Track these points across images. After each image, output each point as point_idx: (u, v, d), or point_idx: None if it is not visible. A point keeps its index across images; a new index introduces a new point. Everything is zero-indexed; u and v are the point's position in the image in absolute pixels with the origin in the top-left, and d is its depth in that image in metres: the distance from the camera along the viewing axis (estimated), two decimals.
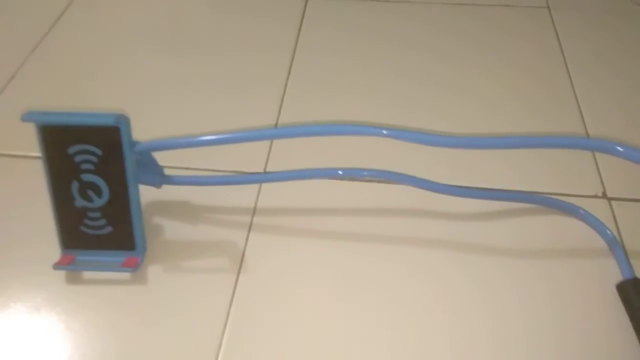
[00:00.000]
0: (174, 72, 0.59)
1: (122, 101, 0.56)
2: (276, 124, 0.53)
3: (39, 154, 0.39)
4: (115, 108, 0.55)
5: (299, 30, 0.64)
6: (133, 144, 0.39)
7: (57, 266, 0.41)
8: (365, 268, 0.42)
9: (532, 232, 0.44)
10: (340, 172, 0.47)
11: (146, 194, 0.44)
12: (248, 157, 0.50)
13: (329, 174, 0.47)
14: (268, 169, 0.49)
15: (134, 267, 0.41)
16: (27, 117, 0.37)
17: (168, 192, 0.46)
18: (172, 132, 0.51)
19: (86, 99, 0.57)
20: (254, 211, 0.46)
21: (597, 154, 0.49)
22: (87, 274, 0.42)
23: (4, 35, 0.65)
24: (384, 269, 0.42)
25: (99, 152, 0.38)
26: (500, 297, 0.40)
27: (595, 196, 0.47)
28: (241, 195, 0.47)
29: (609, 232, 0.43)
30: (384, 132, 0.38)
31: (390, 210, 0.46)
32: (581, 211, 0.44)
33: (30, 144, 0.39)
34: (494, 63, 0.59)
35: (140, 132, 0.41)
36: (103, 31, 0.65)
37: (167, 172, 0.45)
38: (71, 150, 0.38)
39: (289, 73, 0.58)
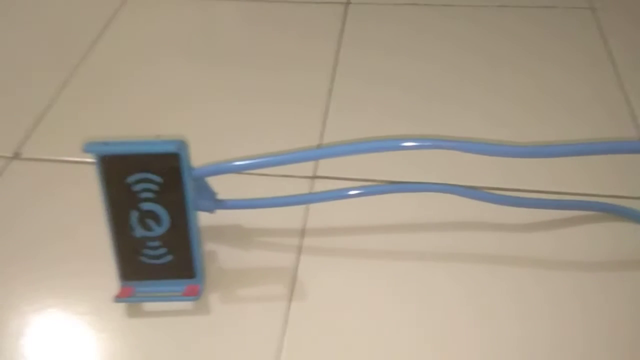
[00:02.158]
0: (210, 87, 0.59)
1: (162, 119, 0.56)
2: (320, 141, 0.52)
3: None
4: (156, 127, 0.55)
5: (339, 45, 0.63)
6: (191, 169, 0.38)
7: (118, 299, 0.40)
8: (420, 285, 0.41)
9: (595, 241, 0.43)
10: (386, 188, 0.46)
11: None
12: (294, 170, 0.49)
13: (376, 190, 0.47)
14: (315, 188, 0.49)
15: (196, 295, 0.40)
16: (88, 148, 0.36)
17: (219, 217, 0.45)
18: (214, 152, 0.51)
19: (125, 116, 0.56)
20: (304, 232, 0.45)
21: None
22: (148, 305, 0.41)
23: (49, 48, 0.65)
24: (440, 286, 0.41)
25: (159, 179, 0.37)
26: (564, 312, 0.40)
27: None
28: (291, 216, 0.46)
29: None
30: (446, 144, 0.38)
31: (440, 224, 0.46)
32: None
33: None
34: (539, 66, 0.59)
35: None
36: (140, 48, 0.65)
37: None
38: (130, 179, 0.37)
39: (330, 89, 0.58)
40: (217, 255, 0.44)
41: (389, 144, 0.40)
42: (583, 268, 0.42)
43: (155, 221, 0.39)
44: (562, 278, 0.41)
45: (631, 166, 0.49)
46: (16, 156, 0.52)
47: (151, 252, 0.39)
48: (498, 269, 0.42)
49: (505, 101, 0.55)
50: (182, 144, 0.37)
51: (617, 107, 0.54)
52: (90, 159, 0.37)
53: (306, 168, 0.50)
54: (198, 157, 0.40)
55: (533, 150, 0.38)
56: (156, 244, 0.39)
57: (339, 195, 0.46)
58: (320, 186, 0.49)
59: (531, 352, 0.37)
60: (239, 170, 0.41)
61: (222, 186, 0.43)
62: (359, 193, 0.45)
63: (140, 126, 0.55)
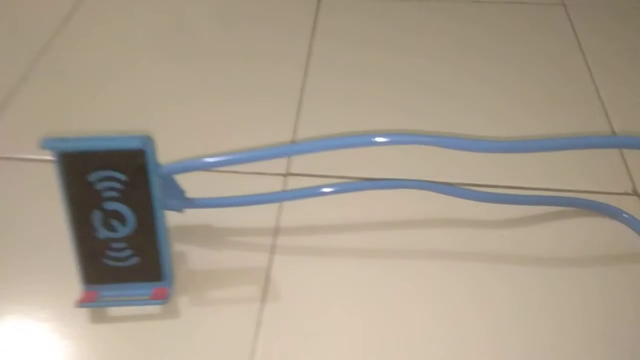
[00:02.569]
0: (180, 84, 0.57)
1: (129, 116, 0.54)
2: (293, 137, 0.51)
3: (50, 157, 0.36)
4: (123, 124, 0.53)
5: (312, 39, 0.62)
6: (158, 166, 0.37)
7: (81, 304, 0.37)
8: (396, 283, 0.40)
9: (567, 237, 0.43)
10: (361, 185, 0.45)
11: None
12: (266, 168, 0.48)
13: (351, 187, 0.46)
14: (288, 186, 0.47)
15: (164, 298, 0.38)
16: (46, 144, 0.34)
17: (189, 216, 0.43)
18: (185, 149, 0.49)
19: (91, 113, 0.54)
20: (276, 231, 0.44)
21: (625, 150, 0.49)
22: (113, 310, 0.39)
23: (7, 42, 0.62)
24: (416, 284, 0.40)
25: (123, 177, 0.35)
26: (561, 307, 0.39)
27: (626, 193, 0.46)
28: (263, 215, 0.45)
29: None
30: (424, 139, 0.37)
31: (417, 221, 0.45)
32: (624, 215, 0.43)
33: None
34: (514, 57, 0.59)
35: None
36: (107, 42, 0.63)
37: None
38: (92, 177, 0.35)
39: (303, 84, 0.57)
40: (187, 256, 0.42)
41: (363, 140, 0.39)
42: (550, 263, 0.42)
43: (120, 221, 0.37)
44: (525, 272, 0.41)
45: (600, 162, 0.49)
46: None
47: (116, 254, 0.38)
48: (463, 265, 0.41)
49: (486, 93, 0.55)
50: (148, 140, 0.35)
51: (589, 100, 0.54)
52: (48, 156, 0.35)
53: (279, 165, 0.48)
54: (167, 155, 0.38)
55: (509, 145, 0.37)
56: (121, 245, 0.37)
57: (313, 192, 0.44)
58: (294, 184, 0.47)
59: (529, 347, 0.37)
60: (208, 167, 0.39)
61: (192, 184, 0.42)
62: (333, 190, 0.44)
63: (105, 123, 0.53)
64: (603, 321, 0.38)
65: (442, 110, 0.54)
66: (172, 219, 0.42)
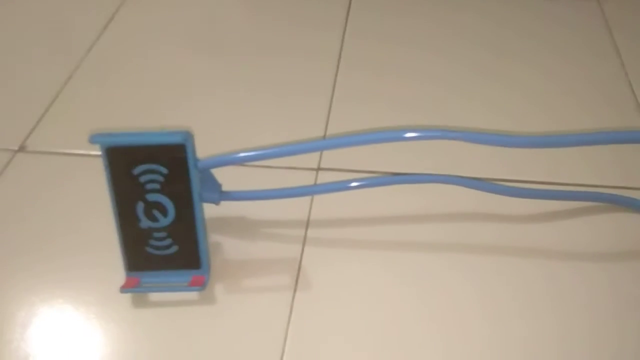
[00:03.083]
0: (215, 79, 0.59)
1: (167, 111, 0.56)
2: (324, 132, 0.53)
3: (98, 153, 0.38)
4: (160, 119, 0.55)
5: (343, 36, 0.63)
6: (196, 161, 0.38)
7: (124, 289, 0.40)
8: (425, 276, 0.42)
9: (600, 232, 0.44)
10: (390, 179, 0.46)
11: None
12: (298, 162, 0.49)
13: (380, 182, 0.47)
14: (319, 180, 0.49)
15: (201, 285, 0.40)
16: (95, 139, 0.36)
17: (224, 208, 0.45)
18: (220, 143, 0.51)
19: (133, 109, 0.57)
20: (308, 223, 0.45)
21: None
22: (153, 295, 0.41)
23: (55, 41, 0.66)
24: (445, 277, 0.41)
25: (165, 171, 0.38)
26: (568, 303, 0.40)
27: None
28: (295, 208, 0.46)
29: None
30: (454, 134, 0.38)
31: (446, 215, 0.46)
32: None
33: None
34: (545, 57, 0.59)
35: None
36: (146, 40, 0.65)
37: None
38: (136, 170, 0.38)
39: (334, 80, 0.58)
40: (222, 246, 0.44)
41: (394, 135, 0.40)
42: (587, 258, 0.42)
43: (161, 212, 0.39)
44: (567, 269, 0.41)
45: (635, 157, 0.49)
46: (22, 149, 0.53)
47: (157, 243, 0.40)
48: (502, 259, 0.42)
49: (512, 93, 0.55)
50: (188, 135, 0.37)
51: (622, 98, 0.54)
52: (95, 151, 0.37)
53: (310, 160, 0.50)
54: (202, 148, 0.40)
55: (540, 140, 0.38)
56: (162, 234, 0.39)
57: (343, 186, 0.46)
58: (325, 178, 0.49)
59: (537, 345, 0.38)
60: (244, 161, 0.41)
61: (226, 178, 0.44)
62: (362, 184, 0.45)
63: (145, 117, 0.55)
64: (635, 314, 0.39)
65: (468, 109, 0.54)
66: (208, 210, 0.44)
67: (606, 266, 0.42)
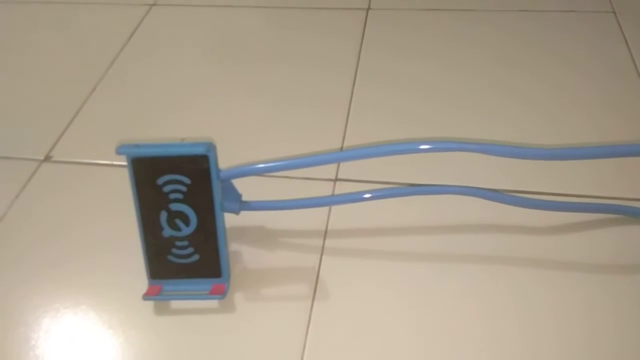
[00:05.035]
0: (233, 91, 0.60)
1: (186, 123, 0.57)
2: (342, 144, 0.53)
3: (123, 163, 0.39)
4: (182, 129, 0.56)
5: (360, 50, 0.64)
6: (218, 171, 0.39)
7: (147, 297, 0.41)
8: (440, 286, 0.42)
9: (611, 244, 0.44)
10: (407, 190, 0.47)
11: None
12: (316, 173, 0.50)
13: (397, 193, 0.47)
14: (336, 190, 0.49)
15: (222, 294, 0.41)
16: (121, 150, 0.37)
17: (244, 218, 0.46)
18: (238, 153, 0.52)
19: (154, 121, 0.58)
20: (326, 234, 0.46)
21: None
22: (175, 303, 0.42)
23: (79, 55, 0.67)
24: (462, 289, 0.42)
25: (188, 181, 0.39)
26: (574, 315, 0.40)
27: None
28: (313, 218, 0.47)
29: None
30: (470, 146, 0.38)
31: (460, 226, 0.46)
32: None
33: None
34: (559, 71, 0.59)
35: None
36: (166, 53, 0.67)
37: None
38: (160, 180, 0.39)
39: (351, 92, 0.59)
40: (242, 255, 0.45)
41: (411, 147, 0.41)
42: (590, 270, 0.42)
43: (183, 221, 0.40)
44: (575, 281, 0.42)
45: None
46: (47, 159, 0.54)
47: (179, 252, 0.41)
48: (532, 270, 0.42)
49: (525, 107, 0.56)
50: (211, 146, 0.38)
51: (636, 112, 0.54)
52: (118, 160, 0.38)
53: (328, 170, 0.51)
54: (221, 159, 0.41)
55: (556, 152, 0.38)
56: (184, 243, 0.40)
57: (361, 197, 0.46)
58: (342, 188, 0.50)
59: (540, 355, 0.38)
60: (264, 172, 0.42)
61: (246, 188, 0.44)
62: (379, 195, 0.46)
63: (166, 127, 0.57)
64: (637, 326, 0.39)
65: (484, 122, 0.55)
66: (228, 220, 0.45)
67: (608, 278, 0.42)
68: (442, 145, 0.39)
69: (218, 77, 0.62)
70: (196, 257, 0.41)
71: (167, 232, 0.40)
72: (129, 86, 0.62)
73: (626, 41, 0.62)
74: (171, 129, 0.56)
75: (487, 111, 0.56)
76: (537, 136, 0.52)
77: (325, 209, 0.48)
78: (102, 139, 0.55)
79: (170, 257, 0.41)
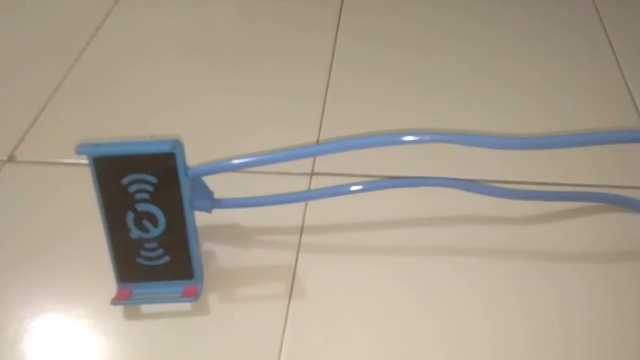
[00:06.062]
0: (206, 84, 0.59)
1: (157, 118, 0.55)
2: (318, 137, 0.52)
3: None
4: (152, 126, 0.54)
5: (335, 40, 0.63)
6: (186, 169, 0.38)
7: (115, 301, 0.39)
8: (421, 281, 0.41)
9: (601, 233, 0.43)
10: (386, 183, 0.46)
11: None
12: (292, 167, 0.49)
13: (375, 186, 0.46)
14: (313, 185, 0.48)
15: (194, 296, 0.39)
16: (81, 150, 0.35)
17: (216, 216, 0.44)
18: (211, 149, 0.50)
19: (122, 117, 0.56)
20: (302, 230, 0.45)
21: None
22: (146, 307, 0.40)
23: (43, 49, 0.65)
24: (442, 281, 0.41)
25: (154, 180, 0.37)
26: (569, 304, 0.39)
27: None
28: (289, 214, 0.46)
29: None
30: (448, 137, 0.37)
31: (441, 219, 0.45)
32: None
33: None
34: (542, 57, 0.59)
35: None
36: (136, 47, 0.65)
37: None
38: (125, 180, 0.37)
39: (327, 83, 0.57)
40: (215, 254, 0.44)
41: (388, 139, 0.39)
42: (588, 259, 0.42)
43: (151, 222, 0.38)
44: (568, 270, 0.41)
45: (634, 156, 0.48)
46: (11, 159, 0.52)
47: (148, 254, 0.39)
48: (501, 262, 0.42)
49: (508, 92, 0.55)
50: (177, 143, 0.36)
51: (619, 96, 0.54)
52: (84, 160, 0.36)
53: (304, 165, 0.49)
54: (194, 155, 0.40)
55: (534, 141, 0.37)
56: (153, 245, 0.39)
57: (338, 191, 0.45)
58: (319, 183, 0.48)
59: (538, 346, 0.37)
60: (235, 168, 0.40)
61: (219, 185, 0.43)
62: (357, 189, 0.45)
63: (135, 125, 0.55)
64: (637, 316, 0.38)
65: (464, 109, 0.54)
66: (200, 219, 0.43)
67: (607, 267, 0.41)
68: (419, 136, 0.38)
69: (189, 71, 0.61)
70: (166, 258, 0.39)
71: (135, 233, 0.38)
72: (96, 82, 0.60)
73: (604, 27, 0.62)
74: (141, 126, 0.54)
75: (467, 98, 0.55)
76: (519, 122, 0.52)
77: (301, 204, 0.46)
78: (68, 138, 0.53)
79: (139, 260, 0.39)
